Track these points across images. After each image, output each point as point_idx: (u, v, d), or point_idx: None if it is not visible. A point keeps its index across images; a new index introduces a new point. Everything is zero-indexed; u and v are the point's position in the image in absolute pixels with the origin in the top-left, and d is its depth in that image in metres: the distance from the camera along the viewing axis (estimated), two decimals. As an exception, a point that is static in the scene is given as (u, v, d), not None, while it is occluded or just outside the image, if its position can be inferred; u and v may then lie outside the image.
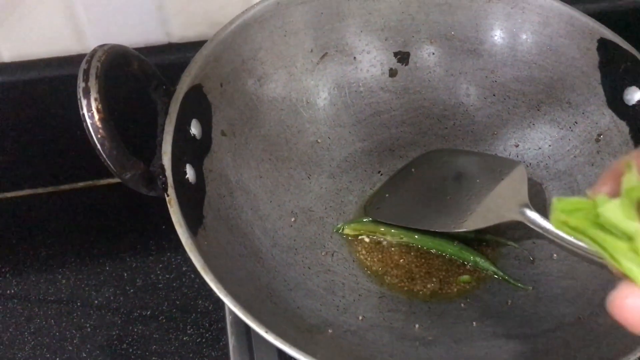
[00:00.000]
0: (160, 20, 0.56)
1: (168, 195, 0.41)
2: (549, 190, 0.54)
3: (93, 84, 0.39)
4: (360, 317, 0.47)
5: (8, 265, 0.58)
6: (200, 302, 0.55)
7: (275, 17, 0.52)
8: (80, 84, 0.39)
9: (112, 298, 0.55)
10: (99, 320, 0.54)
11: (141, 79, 0.44)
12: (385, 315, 0.47)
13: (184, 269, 0.57)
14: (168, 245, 0.59)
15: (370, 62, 0.57)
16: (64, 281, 0.56)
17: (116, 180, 0.50)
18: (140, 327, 0.54)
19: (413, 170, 0.55)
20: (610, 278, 0.31)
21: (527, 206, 0.47)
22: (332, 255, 0.51)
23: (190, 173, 0.44)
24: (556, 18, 0.54)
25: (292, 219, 0.51)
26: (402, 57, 0.57)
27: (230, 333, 0.51)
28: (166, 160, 0.42)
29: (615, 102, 0.52)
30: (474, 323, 0.47)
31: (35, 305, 0.55)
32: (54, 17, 0.54)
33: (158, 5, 0.55)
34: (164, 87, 0.45)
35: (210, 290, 0.39)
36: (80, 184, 0.63)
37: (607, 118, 0.52)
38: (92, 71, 0.39)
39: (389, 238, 0.51)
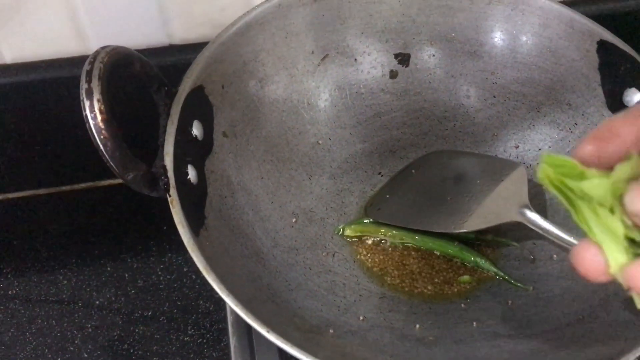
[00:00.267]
0: (162, 22, 0.56)
1: (170, 196, 0.42)
2: (549, 192, 0.54)
3: (96, 85, 0.39)
4: (361, 318, 0.47)
5: (9, 265, 0.58)
6: (201, 302, 0.55)
7: (276, 19, 0.52)
8: (83, 85, 0.39)
9: (113, 299, 0.55)
10: (100, 321, 0.54)
11: (143, 80, 0.45)
12: (386, 315, 0.47)
13: (185, 269, 0.57)
14: (169, 246, 0.59)
15: (371, 63, 0.57)
16: (65, 282, 0.57)
17: (117, 181, 0.50)
18: (141, 327, 0.54)
19: (413, 171, 0.55)
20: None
21: (527, 207, 0.47)
22: (333, 255, 0.51)
23: (192, 174, 0.45)
24: (556, 20, 0.54)
25: (293, 220, 0.52)
26: (403, 58, 0.57)
27: (232, 333, 0.51)
28: (168, 161, 0.42)
29: (615, 104, 0.52)
30: (475, 323, 0.47)
31: (36, 306, 0.55)
32: (56, 18, 0.54)
33: (160, 7, 0.55)
34: (166, 88, 0.46)
35: (212, 290, 0.39)
36: (82, 185, 0.63)
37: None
38: (95, 72, 0.39)
39: (389, 239, 0.52)
